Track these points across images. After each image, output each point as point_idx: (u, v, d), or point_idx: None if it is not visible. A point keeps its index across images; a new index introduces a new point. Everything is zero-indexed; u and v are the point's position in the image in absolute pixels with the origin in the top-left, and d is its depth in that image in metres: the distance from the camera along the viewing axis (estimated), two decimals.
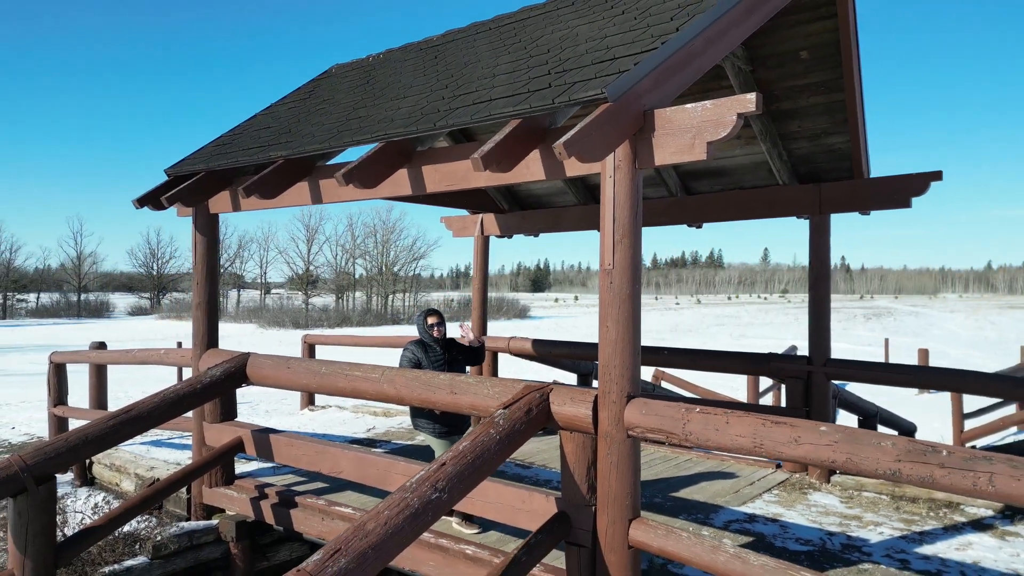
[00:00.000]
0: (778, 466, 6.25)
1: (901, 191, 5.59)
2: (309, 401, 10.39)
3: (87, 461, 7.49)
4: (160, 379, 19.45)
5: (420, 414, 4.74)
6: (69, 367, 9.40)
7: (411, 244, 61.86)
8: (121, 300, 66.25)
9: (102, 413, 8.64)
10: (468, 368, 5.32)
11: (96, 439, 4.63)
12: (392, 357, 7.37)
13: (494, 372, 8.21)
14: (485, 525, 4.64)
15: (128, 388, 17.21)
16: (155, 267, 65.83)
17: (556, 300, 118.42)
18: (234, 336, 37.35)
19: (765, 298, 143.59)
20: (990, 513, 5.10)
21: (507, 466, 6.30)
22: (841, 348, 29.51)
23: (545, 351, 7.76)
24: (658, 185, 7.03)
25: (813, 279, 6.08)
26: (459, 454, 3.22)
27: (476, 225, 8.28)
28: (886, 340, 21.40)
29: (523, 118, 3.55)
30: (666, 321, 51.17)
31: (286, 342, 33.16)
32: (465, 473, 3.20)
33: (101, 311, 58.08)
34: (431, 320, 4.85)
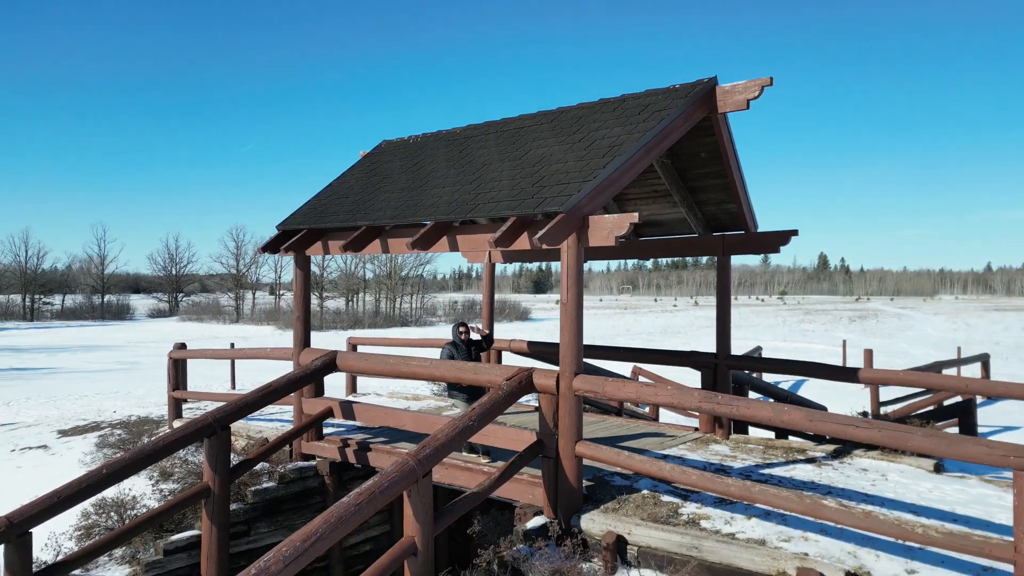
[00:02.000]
0: (696, 429, 9.00)
1: (773, 241, 8.35)
2: (352, 388, 13.13)
3: None
4: (198, 374, 22.23)
5: (454, 387, 7.52)
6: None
7: None
8: (139, 302, 69.29)
9: (205, 393, 11.42)
10: (481, 356, 8.09)
11: (252, 403, 7.41)
12: (416, 354, 10.13)
13: (499, 363, 10.94)
14: (495, 458, 7.38)
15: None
16: (174, 270, 68.81)
17: (557, 302, 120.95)
18: (255, 338, 40.14)
19: (763, 300, 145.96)
20: (823, 455, 7.83)
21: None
22: (816, 349, 32.23)
23: (537, 350, 10.51)
24: None
25: (719, 299, 8.82)
26: (483, 403, 5.98)
27: (486, 255, 11.03)
28: (844, 341, 24.08)
29: (518, 216, 6.31)
30: (659, 324, 53.91)
31: None
32: (486, 414, 5.96)
33: (122, 313, 61.06)
34: (461, 329, 7.64)
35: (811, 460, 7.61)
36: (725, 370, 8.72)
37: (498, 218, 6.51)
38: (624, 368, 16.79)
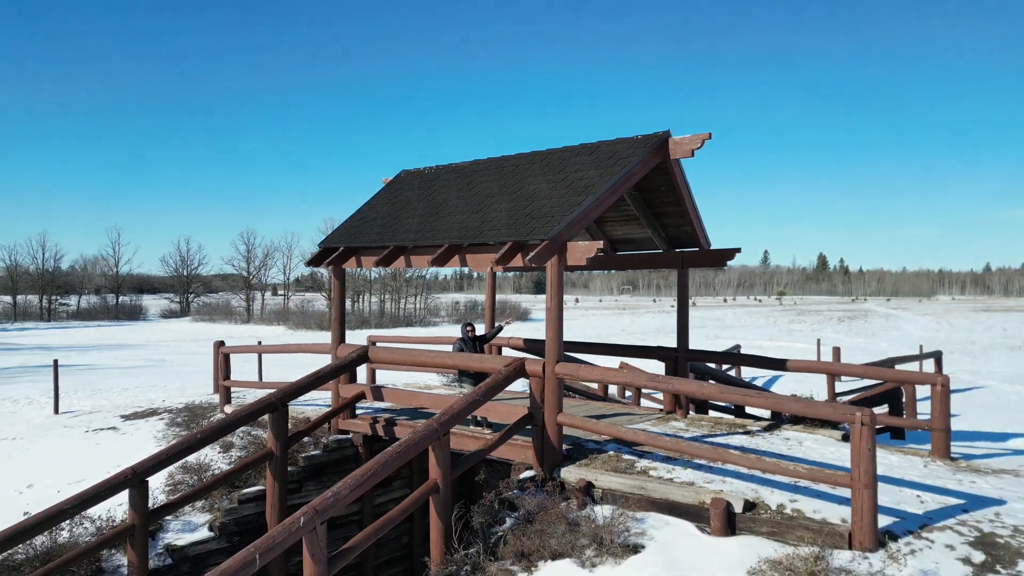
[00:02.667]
0: (660, 410, 10.94)
1: (721, 257, 10.30)
2: (371, 380, 15.07)
3: None
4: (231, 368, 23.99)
5: (463, 374, 9.48)
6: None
7: None
8: (150, 302, 71.42)
9: (252, 382, 13.35)
10: (484, 349, 10.05)
11: (305, 386, 9.36)
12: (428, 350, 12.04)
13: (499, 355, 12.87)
14: (496, 429, 9.32)
15: (199, 377, 21.82)
16: (185, 271, 70.97)
17: None
18: (269, 337, 42.06)
19: (760, 300, 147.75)
20: (758, 429, 9.76)
21: None
22: (798, 347, 34.09)
23: (530, 346, 12.45)
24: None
25: (678, 304, 10.76)
26: (487, 383, 7.94)
27: (488, 264, 12.96)
28: (818, 340, 26.03)
29: (514, 242, 8.26)
30: (654, 324, 55.88)
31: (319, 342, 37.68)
32: (489, 392, 7.92)
33: (135, 314, 63.18)
34: (468, 328, 9.60)
35: (747, 432, 9.55)
36: (684, 361, 10.68)
37: (499, 242, 8.46)
38: (614, 365, 18.66)
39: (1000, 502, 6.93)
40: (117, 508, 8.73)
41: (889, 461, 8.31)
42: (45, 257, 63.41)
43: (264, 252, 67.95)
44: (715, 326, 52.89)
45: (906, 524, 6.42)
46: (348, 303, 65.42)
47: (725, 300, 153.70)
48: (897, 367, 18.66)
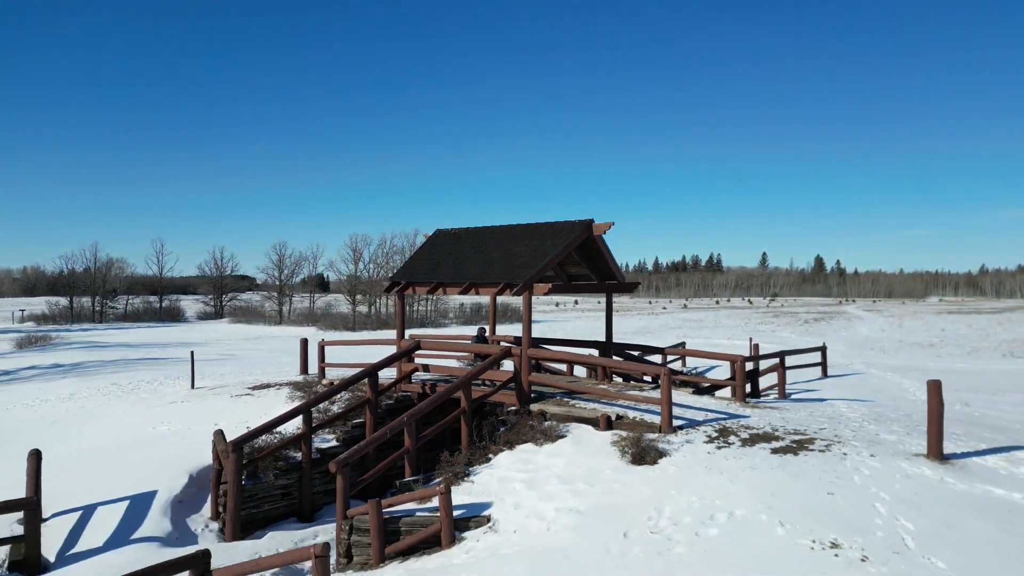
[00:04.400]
0: (596, 379, 17.90)
1: (630, 287, 17.29)
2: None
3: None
4: (281, 361, 30.89)
5: (477, 356, 16.48)
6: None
7: None
8: (188, 305, 78.93)
9: (340, 363, 20.38)
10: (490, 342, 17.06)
11: (386, 363, 16.36)
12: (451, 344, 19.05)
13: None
14: (494, 387, 16.29)
15: (272, 366, 28.72)
16: (220, 276, 78.55)
17: (557, 304, 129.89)
18: (311, 336, 49.13)
19: (751, 302, 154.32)
20: (651, 387, 16.69)
21: None
22: (743, 345, 40.79)
23: (517, 340, 19.41)
24: (560, 280, 18.71)
25: (606, 315, 17.73)
26: (489, 360, 14.95)
27: (492, 294, 19.92)
28: (750, 339, 32.88)
29: (505, 282, 15.27)
30: (639, 325, 62.79)
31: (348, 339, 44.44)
32: (493, 363, 14.93)
33: (176, 315, 70.51)
34: (481, 330, 16.62)
35: (640, 389, 16.51)
36: (609, 349, 17.66)
37: (496, 282, 15.42)
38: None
39: (746, 416, 13.84)
40: (276, 433, 15.63)
41: (707, 402, 15.25)
42: (97, 265, 70.95)
43: (293, 262, 75.63)
44: (691, 327, 59.75)
45: (690, 424, 13.35)
46: (365, 307, 72.59)
47: (717, 302, 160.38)
48: (787, 358, 25.48)
